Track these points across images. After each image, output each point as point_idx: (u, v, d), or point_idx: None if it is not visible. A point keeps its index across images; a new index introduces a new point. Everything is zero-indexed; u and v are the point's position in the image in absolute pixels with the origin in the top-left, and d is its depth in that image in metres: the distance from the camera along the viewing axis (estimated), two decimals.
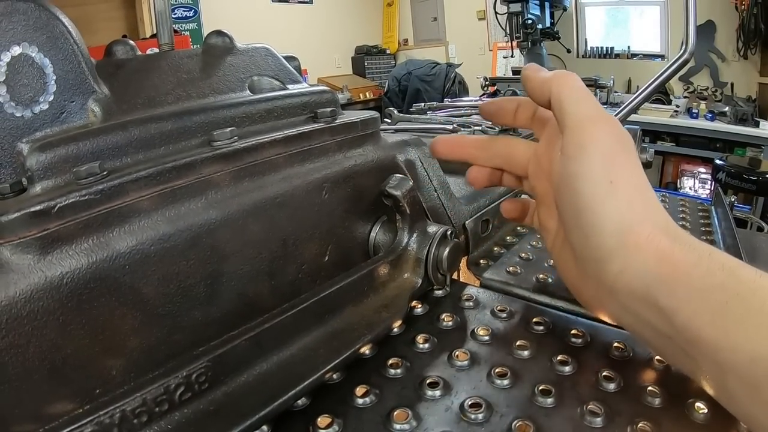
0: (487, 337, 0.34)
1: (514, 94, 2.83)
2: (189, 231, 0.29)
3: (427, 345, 0.33)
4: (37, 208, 0.24)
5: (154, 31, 3.47)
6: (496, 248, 0.46)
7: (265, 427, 0.27)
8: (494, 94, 3.29)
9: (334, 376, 0.31)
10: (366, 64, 5.10)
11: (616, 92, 2.98)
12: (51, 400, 0.25)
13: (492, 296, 0.38)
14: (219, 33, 0.44)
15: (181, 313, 0.30)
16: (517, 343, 0.32)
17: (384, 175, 0.39)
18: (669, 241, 0.24)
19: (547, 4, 2.59)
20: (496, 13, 2.74)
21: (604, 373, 0.29)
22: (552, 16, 2.73)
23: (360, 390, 0.29)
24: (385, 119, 1.02)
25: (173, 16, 3.57)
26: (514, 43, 2.48)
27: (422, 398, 0.29)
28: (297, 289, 0.35)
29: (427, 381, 0.30)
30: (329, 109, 0.37)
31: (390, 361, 0.32)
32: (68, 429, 0.22)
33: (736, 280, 0.22)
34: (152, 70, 0.37)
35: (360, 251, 0.41)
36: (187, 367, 0.26)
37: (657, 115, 3.05)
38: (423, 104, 1.45)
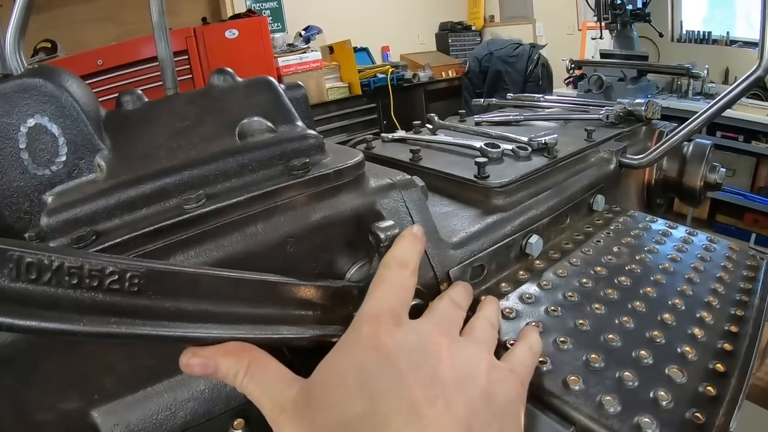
0: None
1: (600, 79, 2.57)
2: None
3: None
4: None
5: (236, 11, 3.58)
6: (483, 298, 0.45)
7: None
8: (580, 78, 3.01)
9: None
10: (450, 41, 4.90)
11: (711, 83, 2.55)
12: None
13: None
14: (221, 71, 0.47)
15: None
16: None
17: (362, 223, 0.40)
18: None
19: None
20: None
21: None
22: None
23: None
24: (427, 125, 1.00)
25: None
26: (603, 24, 2.24)
27: None
28: None
29: None
30: (303, 161, 0.38)
31: None
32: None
33: None
34: (152, 121, 0.41)
35: None
36: (127, 263, 0.26)
37: (753, 113, 2.52)
38: (508, 95, 1.35)
